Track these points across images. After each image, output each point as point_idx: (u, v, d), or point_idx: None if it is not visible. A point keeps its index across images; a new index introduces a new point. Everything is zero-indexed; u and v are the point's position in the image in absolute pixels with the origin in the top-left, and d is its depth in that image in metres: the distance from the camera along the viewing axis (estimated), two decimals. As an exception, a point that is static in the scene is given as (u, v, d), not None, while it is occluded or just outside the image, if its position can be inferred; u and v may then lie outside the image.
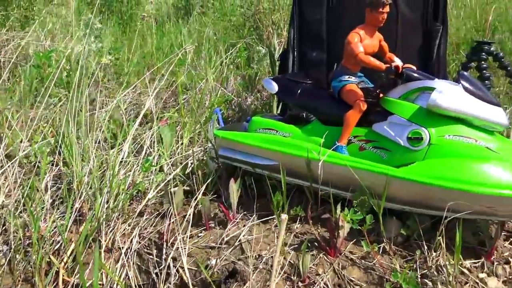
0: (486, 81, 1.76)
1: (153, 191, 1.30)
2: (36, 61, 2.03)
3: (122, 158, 1.38)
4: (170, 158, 1.48)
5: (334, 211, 1.06)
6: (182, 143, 1.60)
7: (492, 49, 1.78)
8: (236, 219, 1.20)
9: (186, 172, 1.42)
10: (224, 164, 1.34)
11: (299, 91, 1.24)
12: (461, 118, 1.04)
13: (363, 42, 1.12)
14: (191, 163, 1.42)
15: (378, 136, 1.11)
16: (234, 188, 1.19)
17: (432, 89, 1.05)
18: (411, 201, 1.04)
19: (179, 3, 4.20)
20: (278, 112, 1.65)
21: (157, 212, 1.27)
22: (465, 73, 1.09)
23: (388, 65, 1.07)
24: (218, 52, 2.46)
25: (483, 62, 1.77)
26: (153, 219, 1.25)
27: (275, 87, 1.27)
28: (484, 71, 1.77)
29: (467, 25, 2.71)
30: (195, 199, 1.23)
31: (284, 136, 1.22)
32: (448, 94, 1.03)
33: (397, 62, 1.22)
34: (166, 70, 2.25)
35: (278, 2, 2.83)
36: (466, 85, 1.05)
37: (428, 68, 1.46)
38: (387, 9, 1.10)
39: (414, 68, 1.20)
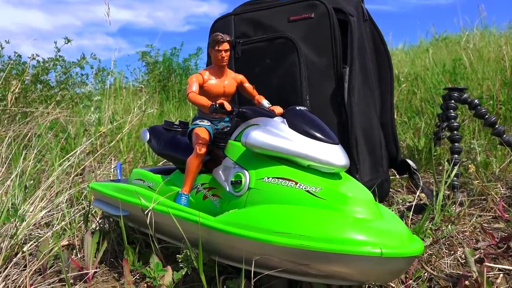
0: (455, 131, 1.49)
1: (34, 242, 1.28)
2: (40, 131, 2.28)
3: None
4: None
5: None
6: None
7: (464, 96, 1.53)
8: (90, 274, 1.12)
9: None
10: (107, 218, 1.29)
11: (162, 139, 1.17)
12: (286, 158, 0.87)
13: (206, 82, 1.04)
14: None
15: (217, 183, 0.98)
16: (89, 242, 1.12)
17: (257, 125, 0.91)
18: (230, 255, 0.86)
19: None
20: None
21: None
22: (297, 107, 0.92)
23: (212, 103, 0.96)
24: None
25: (451, 110, 1.52)
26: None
27: (147, 136, 1.22)
28: (452, 120, 1.51)
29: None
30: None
31: (148, 186, 1.14)
32: (264, 130, 0.87)
33: (264, 104, 1.11)
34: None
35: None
36: (293, 120, 0.88)
37: (342, 115, 1.28)
38: (224, 46, 1.02)
39: (281, 109, 1.07)
